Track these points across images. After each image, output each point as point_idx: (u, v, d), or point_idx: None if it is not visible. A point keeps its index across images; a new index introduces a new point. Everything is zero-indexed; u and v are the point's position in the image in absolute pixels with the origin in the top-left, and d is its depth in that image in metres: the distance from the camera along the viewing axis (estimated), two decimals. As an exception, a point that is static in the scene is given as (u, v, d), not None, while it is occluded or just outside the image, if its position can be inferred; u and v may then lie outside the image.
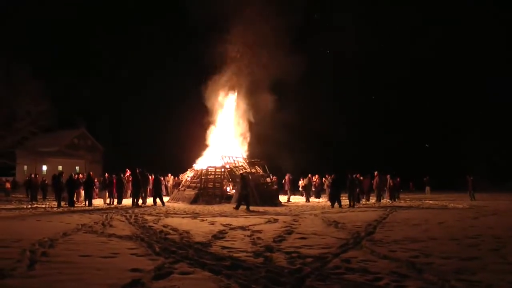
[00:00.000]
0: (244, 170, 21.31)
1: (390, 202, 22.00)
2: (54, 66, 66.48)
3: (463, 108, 53.62)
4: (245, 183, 17.86)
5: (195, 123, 25.78)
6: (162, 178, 27.52)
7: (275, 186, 22.61)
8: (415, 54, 54.02)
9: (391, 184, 23.50)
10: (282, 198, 22.91)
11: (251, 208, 17.01)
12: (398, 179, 24.35)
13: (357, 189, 20.68)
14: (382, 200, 22.63)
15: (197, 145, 25.21)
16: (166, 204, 19.76)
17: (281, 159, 29.62)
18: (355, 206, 18.65)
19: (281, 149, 30.47)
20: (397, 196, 24.19)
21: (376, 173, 22.99)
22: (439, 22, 60.33)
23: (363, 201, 22.29)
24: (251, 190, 19.78)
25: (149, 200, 20.09)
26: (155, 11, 70.17)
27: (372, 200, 22.92)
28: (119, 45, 71.02)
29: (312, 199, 25.07)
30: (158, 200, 19.32)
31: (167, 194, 26.43)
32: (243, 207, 17.12)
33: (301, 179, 26.24)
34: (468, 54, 55.67)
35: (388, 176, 23.68)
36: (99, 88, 72.41)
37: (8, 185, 27.89)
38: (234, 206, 17.46)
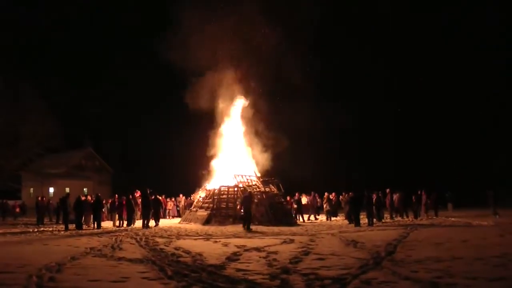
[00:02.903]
0: (258, 189, 20.96)
1: (410, 219, 21.43)
2: (60, 86, 66.91)
3: (482, 120, 51.99)
4: (243, 203, 17.57)
5: (206, 141, 25.41)
6: (171, 199, 27.50)
7: (289, 206, 22.26)
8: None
9: (413, 200, 22.88)
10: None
11: (265, 230, 16.65)
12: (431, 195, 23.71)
13: (373, 207, 20.22)
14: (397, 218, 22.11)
15: (208, 164, 24.85)
16: (177, 225, 20.25)
17: (297, 176, 29.25)
18: (374, 225, 18.22)
19: (295, 166, 30.08)
20: (435, 213, 23.46)
21: (388, 190, 22.53)
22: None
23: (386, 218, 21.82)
24: (266, 209, 19.48)
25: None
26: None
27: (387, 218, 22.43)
28: (126, 65, 71.78)
29: (321, 216, 24.73)
30: (152, 221, 19.54)
31: (179, 215, 26.16)
32: (258, 226, 16.81)
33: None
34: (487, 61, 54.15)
35: (423, 192, 23.25)
36: (107, 108, 72.93)
37: (18, 209, 27.82)
38: (245, 228, 16.97)
